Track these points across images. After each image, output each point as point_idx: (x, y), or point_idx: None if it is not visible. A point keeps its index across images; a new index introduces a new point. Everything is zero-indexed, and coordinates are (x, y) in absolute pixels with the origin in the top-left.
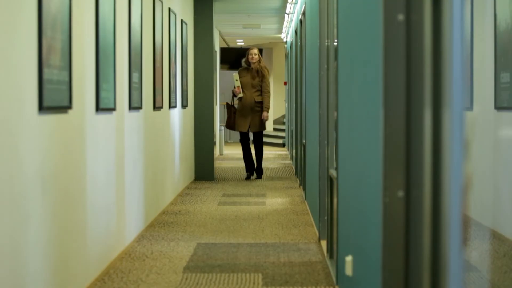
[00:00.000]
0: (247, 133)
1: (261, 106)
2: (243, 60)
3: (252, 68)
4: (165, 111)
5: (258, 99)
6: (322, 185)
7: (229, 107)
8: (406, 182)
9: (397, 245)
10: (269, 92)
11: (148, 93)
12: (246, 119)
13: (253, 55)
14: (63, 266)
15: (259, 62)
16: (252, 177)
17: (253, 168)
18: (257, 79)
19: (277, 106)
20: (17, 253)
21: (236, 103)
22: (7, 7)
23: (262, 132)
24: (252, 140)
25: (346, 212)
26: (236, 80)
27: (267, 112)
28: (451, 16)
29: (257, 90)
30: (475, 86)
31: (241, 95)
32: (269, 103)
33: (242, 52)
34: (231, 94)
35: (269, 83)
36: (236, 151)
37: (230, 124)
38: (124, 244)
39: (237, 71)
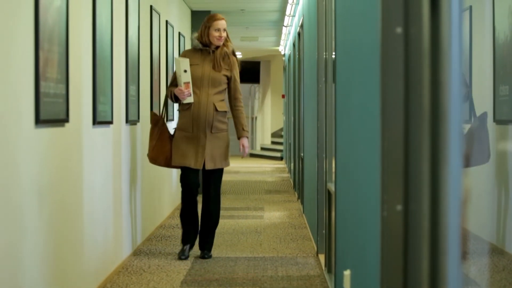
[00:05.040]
0: (197, 172)
1: (226, 122)
2: (194, 36)
3: (214, 52)
4: None
5: (221, 106)
6: (320, 199)
7: (156, 122)
8: (405, 196)
9: (395, 259)
10: (241, 99)
11: (145, 106)
12: (198, 146)
13: (221, 31)
14: (60, 279)
15: (227, 42)
16: (190, 252)
17: (195, 235)
18: (222, 72)
19: (275, 119)
20: (13, 266)
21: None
22: (3, 19)
23: (222, 171)
24: (202, 184)
25: (344, 226)
26: (185, 71)
27: (247, 139)
28: (450, 29)
29: (220, 92)
30: (474, 99)
31: (191, 99)
32: (245, 119)
33: (241, 65)
34: (166, 98)
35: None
36: (234, 164)
37: (159, 154)
38: (121, 258)
39: (181, 56)
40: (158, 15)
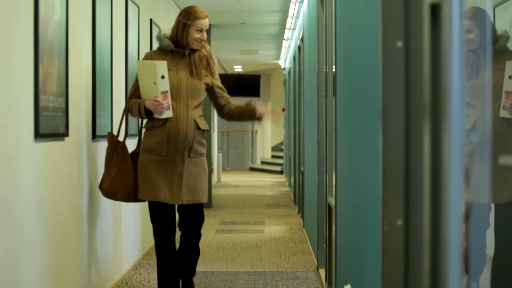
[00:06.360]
0: (173, 208)
1: (205, 144)
2: (163, 34)
3: (190, 54)
4: None
5: (202, 124)
6: (320, 213)
7: (115, 145)
8: (405, 210)
9: (396, 274)
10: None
11: (145, 120)
12: (173, 173)
13: (204, 32)
14: None
15: (204, 42)
16: None
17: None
18: (203, 80)
19: (275, 133)
20: (12, 279)
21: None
22: (2, 32)
23: (203, 207)
24: (179, 223)
25: (345, 240)
26: (163, 77)
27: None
28: (450, 43)
29: (200, 105)
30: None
31: (169, 113)
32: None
33: (241, 78)
34: (124, 113)
35: None
36: (235, 178)
37: (120, 187)
38: (121, 272)
39: (145, 59)
40: (158, 29)
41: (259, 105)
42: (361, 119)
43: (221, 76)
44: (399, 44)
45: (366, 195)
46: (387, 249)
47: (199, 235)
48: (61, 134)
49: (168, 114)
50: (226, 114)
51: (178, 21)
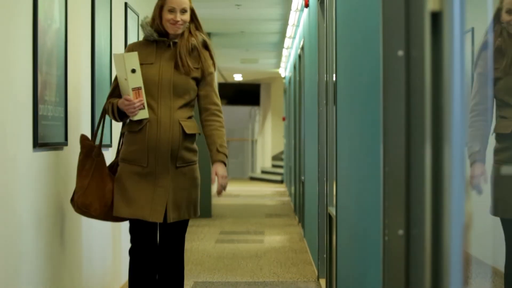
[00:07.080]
0: (155, 227)
1: (196, 149)
2: (146, 21)
3: (175, 44)
4: None
5: (190, 127)
6: (321, 223)
7: (89, 151)
8: (406, 221)
9: (397, 284)
10: (221, 112)
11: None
12: (155, 187)
13: (178, 13)
14: None
15: (196, 30)
16: None
17: None
18: (191, 74)
19: (275, 142)
20: None
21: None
22: (1, 41)
23: (187, 224)
24: (159, 243)
25: (346, 250)
26: (133, 71)
27: (225, 166)
28: (451, 52)
29: (188, 104)
30: None
31: (144, 113)
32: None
33: (241, 87)
34: (103, 114)
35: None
36: (235, 187)
37: (94, 199)
38: (120, 282)
39: (125, 51)
40: None
41: (215, 170)
42: (362, 128)
43: (221, 84)
44: (400, 52)
45: (367, 205)
46: (388, 259)
47: (182, 259)
48: (60, 143)
49: (143, 114)
50: (203, 127)
51: (155, 6)
